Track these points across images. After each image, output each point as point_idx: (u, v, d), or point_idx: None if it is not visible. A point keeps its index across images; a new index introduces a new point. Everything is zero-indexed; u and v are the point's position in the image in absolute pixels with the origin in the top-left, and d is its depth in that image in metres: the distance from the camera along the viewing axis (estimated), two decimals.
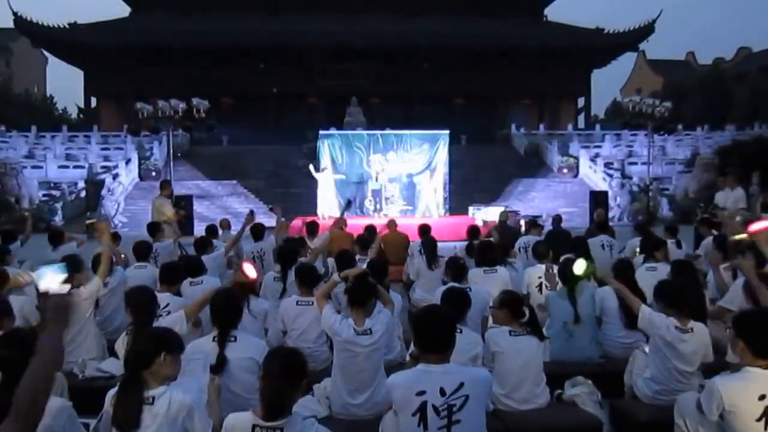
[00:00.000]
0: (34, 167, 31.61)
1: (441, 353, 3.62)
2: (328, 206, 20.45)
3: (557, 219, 12.61)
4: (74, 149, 36.28)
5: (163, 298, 5.69)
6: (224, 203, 30.44)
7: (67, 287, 2.83)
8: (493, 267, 7.53)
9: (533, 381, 4.87)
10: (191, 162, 35.16)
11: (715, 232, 9.87)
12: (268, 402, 3.12)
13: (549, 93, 49.25)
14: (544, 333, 5.22)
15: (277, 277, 7.29)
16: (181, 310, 5.08)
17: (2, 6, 44.11)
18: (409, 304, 8.11)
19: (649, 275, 7.13)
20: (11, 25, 44.86)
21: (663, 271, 7.34)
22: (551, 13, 54.55)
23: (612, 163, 33.98)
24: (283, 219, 11.25)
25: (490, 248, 8.08)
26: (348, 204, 12.44)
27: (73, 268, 6.00)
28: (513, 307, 4.98)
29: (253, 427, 3.13)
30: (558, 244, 8.68)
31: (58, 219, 26.90)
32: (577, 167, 34.96)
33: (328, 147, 22.69)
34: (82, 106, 52.90)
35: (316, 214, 19.69)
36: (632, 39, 48.93)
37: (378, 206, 21.99)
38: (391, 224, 11.82)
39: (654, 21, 47.51)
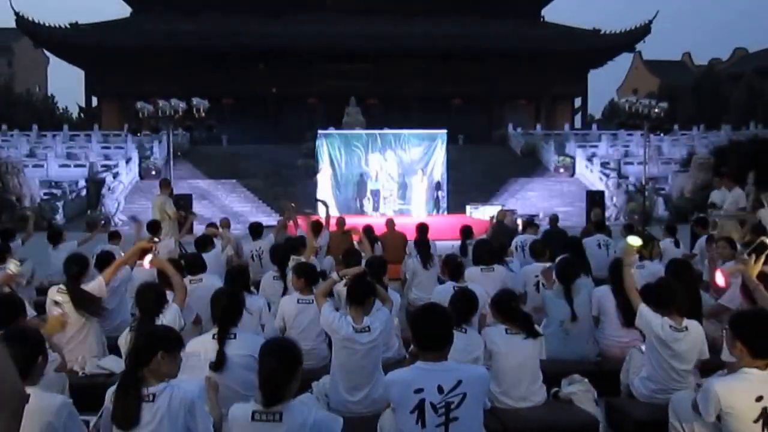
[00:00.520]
0: (35, 166, 31.73)
1: (439, 351, 3.63)
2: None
3: (554, 218, 12.67)
4: (75, 148, 36.44)
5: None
6: (224, 203, 30.46)
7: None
8: (490, 266, 7.57)
9: (530, 379, 4.89)
10: (191, 162, 35.20)
11: (713, 232, 9.94)
12: (266, 390, 3.27)
13: (546, 93, 49.34)
14: (541, 331, 5.23)
15: (277, 276, 7.33)
16: (175, 305, 5.14)
17: (4, 6, 44.19)
18: (407, 304, 8.15)
19: (636, 273, 7.21)
20: (13, 25, 45.17)
21: (651, 269, 7.41)
22: (548, 14, 54.74)
23: (608, 163, 34.04)
24: (281, 218, 11.28)
25: (488, 247, 8.12)
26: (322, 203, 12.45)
27: (79, 266, 6.08)
28: (500, 307, 5.01)
29: (253, 413, 3.27)
30: (555, 243, 8.72)
31: (59, 218, 26.94)
32: (574, 167, 35.02)
33: (327, 147, 22.76)
34: (83, 105, 53.17)
35: (315, 214, 19.71)
36: (629, 40, 49.03)
37: (376, 205, 22.06)
38: (390, 223, 11.87)
39: (650, 22, 47.63)
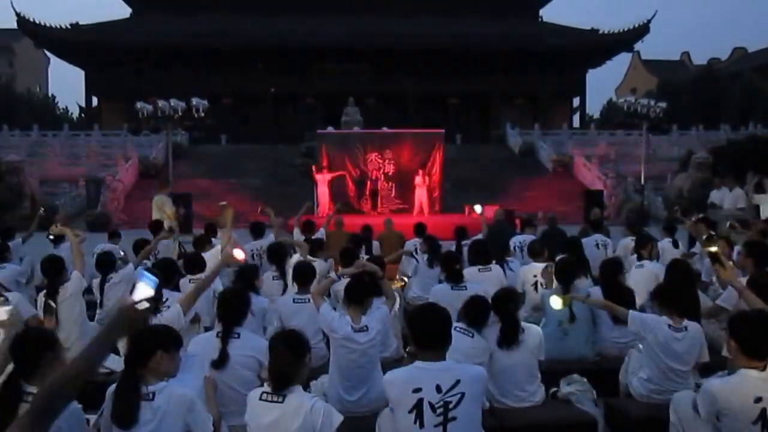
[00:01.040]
0: (36, 166, 31.65)
1: (437, 350, 3.65)
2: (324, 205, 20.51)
3: (552, 218, 12.67)
4: (75, 148, 36.41)
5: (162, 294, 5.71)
6: (222, 202, 30.39)
7: (147, 305, 2.69)
8: (487, 265, 7.58)
9: (528, 379, 4.91)
10: (190, 161, 35.19)
11: (712, 232, 9.93)
12: (274, 375, 3.56)
13: (544, 93, 49.33)
14: (540, 331, 5.24)
15: (276, 276, 7.35)
16: (177, 303, 5.15)
17: (5, 7, 44.33)
18: (405, 302, 8.16)
19: (636, 273, 7.24)
20: (14, 25, 45.45)
21: (650, 268, 7.43)
22: (546, 13, 54.74)
23: (606, 163, 34.05)
24: (280, 218, 11.27)
25: (485, 247, 8.13)
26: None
27: (55, 268, 6.15)
28: (497, 307, 4.98)
29: (261, 393, 3.58)
30: (553, 243, 8.73)
31: (60, 217, 26.92)
32: (572, 166, 35.02)
33: (326, 146, 22.77)
34: (83, 105, 53.30)
35: (314, 214, 19.73)
36: (627, 39, 49.04)
37: (374, 205, 22.08)
38: (387, 223, 11.88)
39: (649, 21, 47.65)
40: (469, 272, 7.30)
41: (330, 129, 27.06)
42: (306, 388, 4.69)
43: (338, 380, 4.76)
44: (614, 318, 6.02)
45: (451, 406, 3.55)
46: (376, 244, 10.83)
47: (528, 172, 35.22)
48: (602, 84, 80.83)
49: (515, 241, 10.07)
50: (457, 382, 3.57)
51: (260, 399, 3.55)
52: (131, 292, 2.74)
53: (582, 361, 6.02)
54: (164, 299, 5.64)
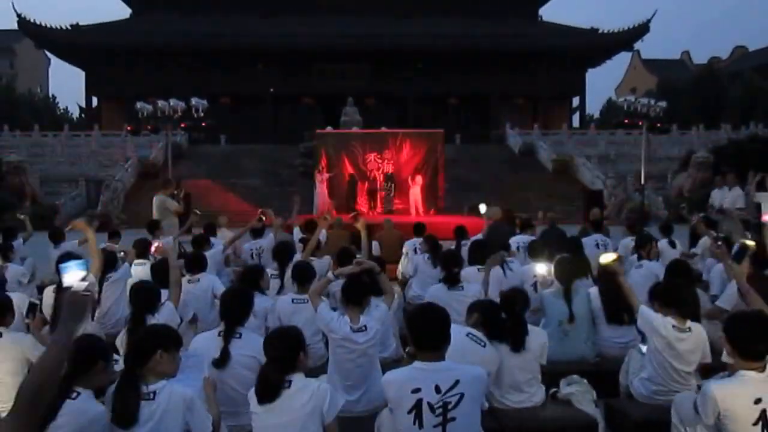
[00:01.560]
0: (36, 166, 31.70)
1: (436, 351, 3.63)
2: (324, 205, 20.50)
3: (552, 218, 12.66)
4: (75, 148, 36.46)
5: (162, 294, 5.70)
6: (222, 202, 30.44)
7: (85, 284, 2.85)
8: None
9: (529, 380, 4.89)
10: (190, 161, 35.23)
11: (713, 232, 9.90)
12: (274, 362, 3.71)
13: (544, 92, 49.35)
14: (544, 335, 5.23)
15: (275, 275, 7.35)
16: (170, 303, 5.15)
17: (6, 8, 44.51)
18: (404, 302, 8.15)
19: (635, 273, 7.24)
20: (15, 26, 45.81)
21: (649, 268, 7.42)
22: (546, 13, 54.76)
23: (606, 163, 34.05)
24: (279, 218, 11.26)
25: (485, 247, 8.12)
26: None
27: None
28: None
29: None
30: (553, 243, 8.72)
31: (60, 217, 26.95)
32: (572, 166, 35.03)
33: (325, 146, 22.78)
34: (83, 105, 53.51)
35: (313, 213, 19.73)
36: (627, 38, 49.06)
37: (373, 205, 22.07)
38: (387, 223, 11.87)
39: (649, 20, 47.68)
40: (469, 272, 7.29)
41: (329, 129, 27.06)
42: None
43: (337, 380, 4.74)
44: (609, 317, 6.01)
45: (450, 406, 3.54)
46: (375, 244, 10.81)
47: (528, 172, 35.22)
48: (602, 84, 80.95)
49: (517, 241, 10.05)
50: (457, 382, 3.56)
51: None
52: (59, 286, 2.87)
53: (582, 361, 6.01)
54: (163, 301, 5.66)
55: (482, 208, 11.80)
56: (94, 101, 50.62)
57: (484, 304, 4.99)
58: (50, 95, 66.63)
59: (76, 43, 45.31)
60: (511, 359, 4.83)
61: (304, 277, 6.05)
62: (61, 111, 62.86)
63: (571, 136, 40.08)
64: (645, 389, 4.97)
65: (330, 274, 5.69)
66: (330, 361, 4.89)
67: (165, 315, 4.94)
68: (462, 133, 39.66)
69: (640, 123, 25.03)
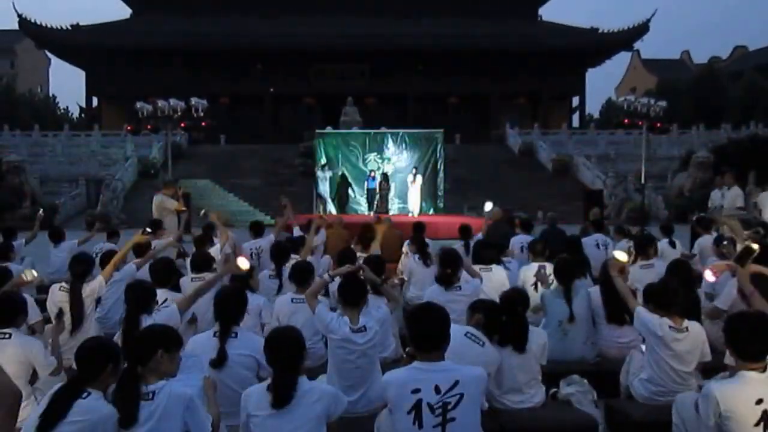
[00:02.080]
0: (36, 166, 31.75)
1: (436, 351, 3.62)
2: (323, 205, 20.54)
3: (552, 218, 12.65)
4: (75, 148, 36.50)
5: (161, 293, 5.68)
6: (222, 202, 30.47)
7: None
8: (488, 265, 7.57)
9: (529, 381, 4.88)
10: (190, 161, 35.25)
11: (713, 232, 9.89)
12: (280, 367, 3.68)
13: (543, 92, 49.36)
14: (545, 335, 5.22)
15: (273, 275, 7.34)
16: (174, 304, 5.13)
17: (6, 8, 44.64)
18: (404, 302, 8.13)
19: (644, 273, 7.22)
20: (15, 27, 45.99)
21: (648, 268, 7.41)
22: (546, 13, 54.68)
23: (606, 162, 34.05)
24: (280, 217, 11.27)
25: (486, 246, 8.11)
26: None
27: (84, 266, 6.27)
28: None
29: (268, 386, 3.67)
30: (553, 243, 8.71)
31: (60, 217, 26.99)
32: (572, 166, 35.02)
33: (325, 146, 22.80)
34: (83, 105, 53.60)
35: (313, 213, 19.75)
36: (627, 38, 49.06)
37: (373, 205, 22.08)
38: (387, 222, 11.86)
39: (649, 20, 47.67)
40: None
41: (329, 129, 27.09)
42: None
43: (337, 381, 4.72)
44: (609, 317, 6.01)
45: (450, 407, 3.53)
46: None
47: (528, 172, 35.22)
48: (602, 83, 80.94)
49: (520, 241, 10.03)
50: (456, 382, 3.55)
51: (268, 390, 3.60)
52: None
53: (582, 361, 6.00)
54: (163, 300, 5.65)
55: (488, 205, 11.78)
56: (95, 101, 50.68)
57: (487, 305, 4.98)
58: (50, 95, 66.90)
59: (76, 43, 45.41)
60: (512, 360, 4.82)
61: (302, 277, 6.04)
62: (62, 111, 63.04)
63: (571, 136, 40.09)
64: (645, 390, 4.96)
65: (326, 275, 5.68)
66: (329, 362, 4.86)
67: (165, 315, 4.93)
68: (462, 133, 39.65)
69: (640, 123, 25.12)
